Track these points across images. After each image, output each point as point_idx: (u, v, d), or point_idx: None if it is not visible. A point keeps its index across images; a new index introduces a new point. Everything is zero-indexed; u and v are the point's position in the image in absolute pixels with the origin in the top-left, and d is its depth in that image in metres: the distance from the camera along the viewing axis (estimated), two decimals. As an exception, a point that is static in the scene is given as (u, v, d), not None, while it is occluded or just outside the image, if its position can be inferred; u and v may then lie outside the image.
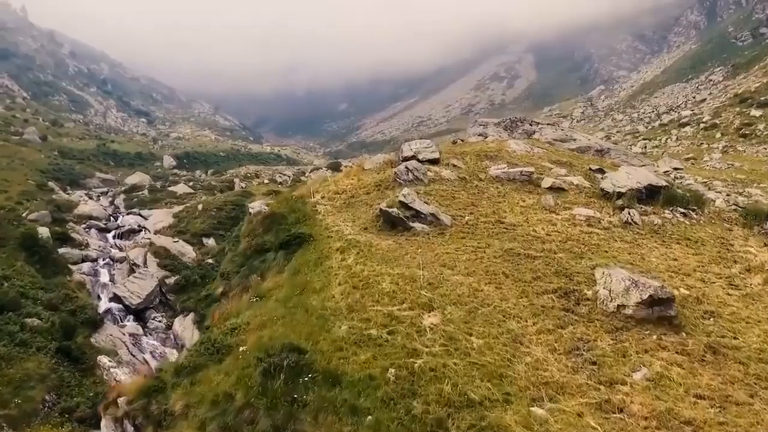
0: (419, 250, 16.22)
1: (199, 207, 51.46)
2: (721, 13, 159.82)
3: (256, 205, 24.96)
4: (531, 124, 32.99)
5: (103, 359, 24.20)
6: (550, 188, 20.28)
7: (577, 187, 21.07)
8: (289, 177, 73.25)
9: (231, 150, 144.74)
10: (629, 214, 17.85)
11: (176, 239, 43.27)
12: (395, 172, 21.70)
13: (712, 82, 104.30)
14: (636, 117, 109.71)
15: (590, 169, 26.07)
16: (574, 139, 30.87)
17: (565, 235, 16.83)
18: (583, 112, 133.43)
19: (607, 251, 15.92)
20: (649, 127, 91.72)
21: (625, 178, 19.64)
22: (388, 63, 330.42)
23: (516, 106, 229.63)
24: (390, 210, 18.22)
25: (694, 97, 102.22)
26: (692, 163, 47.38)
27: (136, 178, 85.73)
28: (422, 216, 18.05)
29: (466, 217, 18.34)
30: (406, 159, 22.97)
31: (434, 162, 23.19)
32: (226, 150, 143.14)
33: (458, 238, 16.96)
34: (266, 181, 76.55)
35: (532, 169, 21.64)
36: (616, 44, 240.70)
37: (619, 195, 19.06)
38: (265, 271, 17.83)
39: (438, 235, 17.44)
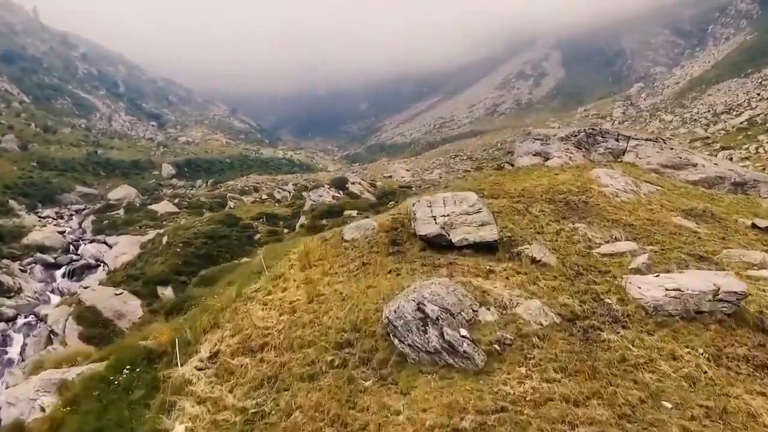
0: None
1: (164, 240, 40.81)
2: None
3: (38, 397, 10.17)
4: (618, 139, 21.40)
5: None
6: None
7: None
8: (289, 193, 62.47)
9: (239, 156, 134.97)
10: None
11: (119, 290, 32.58)
12: (389, 322, 9.16)
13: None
14: (689, 118, 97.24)
15: (754, 226, 14.45)
16: (694, 165, 19.33)
17: None
18: (624, 113, 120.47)
19: None
20: (710, 129, 79.41)
21: None
22: (410, 61, 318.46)
23: (544, 106, 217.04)
24: None
25: (758, 94, 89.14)
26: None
27: (121, 192, 76.16)
28: None
29: None
30: (424, 239, 11.68)
31: (489, 249, 11.65)
32: (234, 156, 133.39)
33: None
34: (264, 196, 65.93)
35: (742, 288, 9.57)
36: (650, 38, 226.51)
37: None
38: None
39: None
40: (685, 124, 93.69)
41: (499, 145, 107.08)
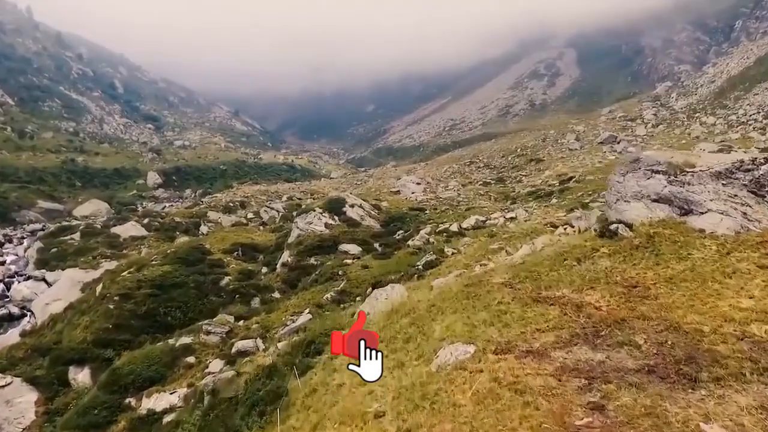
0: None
1: (98, 289, 30.74)
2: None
3: None
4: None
5: None
6: None
7: None
8: (278, 213, 52.40)
9: (235, 162, 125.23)
10: None
11: (8, 379, 22.62)
12: None
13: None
14: (735, 120, 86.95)
15: None
16: None
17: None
18: (656, 114, 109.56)
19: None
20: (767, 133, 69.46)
21: None
22: (418, 61, 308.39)
23: (559, 107, 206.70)
24: None
25: (818, 94, 78.65)
26: None
27: (90, 207, 66.41)
28: None
29: None
30: None
31: None
32: (230, 162, 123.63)
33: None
34: (250, 215, 55.95)
35: None
36: (672, 35, 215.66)
37: None
38: None
39: None
40: (732, 127, 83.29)
41: (518, 150, 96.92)
